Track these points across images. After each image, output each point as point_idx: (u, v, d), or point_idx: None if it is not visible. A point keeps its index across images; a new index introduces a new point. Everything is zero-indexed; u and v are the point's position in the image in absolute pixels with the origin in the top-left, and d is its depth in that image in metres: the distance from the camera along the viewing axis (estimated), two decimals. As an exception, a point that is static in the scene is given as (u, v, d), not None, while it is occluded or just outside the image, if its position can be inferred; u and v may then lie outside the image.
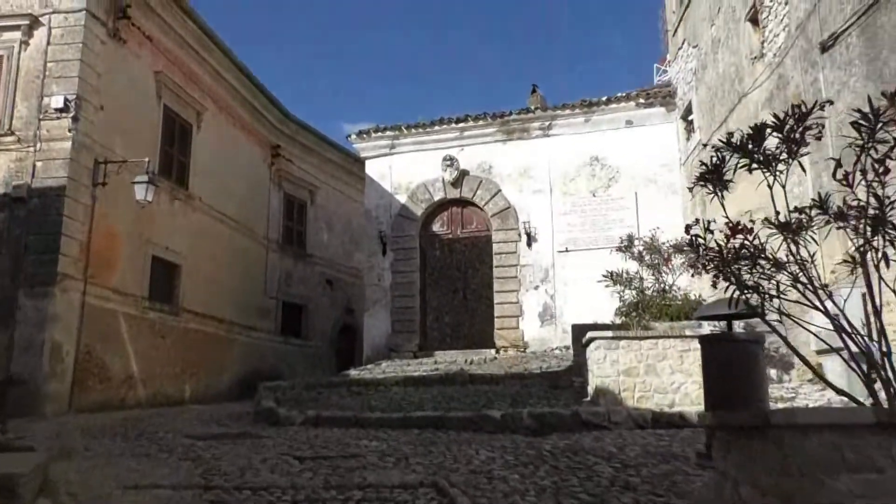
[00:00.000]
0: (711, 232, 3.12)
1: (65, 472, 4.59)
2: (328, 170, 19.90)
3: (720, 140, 3.12)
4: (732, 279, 3.01)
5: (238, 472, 4.82)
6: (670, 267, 8.09)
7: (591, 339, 7.36)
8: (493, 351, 13.78)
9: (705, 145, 11.86)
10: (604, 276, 8.36)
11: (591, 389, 7.82)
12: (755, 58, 9.81)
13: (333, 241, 20.13)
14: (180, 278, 13.39)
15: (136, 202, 11.02)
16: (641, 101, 13.89)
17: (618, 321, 10.89)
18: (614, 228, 13.77)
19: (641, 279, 8.14)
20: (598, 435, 6.49)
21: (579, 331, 9.36)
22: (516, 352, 13.58)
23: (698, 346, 7.53)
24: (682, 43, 13.26)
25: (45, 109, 10.57)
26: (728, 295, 3.01)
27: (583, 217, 13.96)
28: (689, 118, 12.81)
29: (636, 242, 8.38)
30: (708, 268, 3.08)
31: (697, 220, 3.17)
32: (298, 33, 52.92)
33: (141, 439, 6.77)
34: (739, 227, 2.97)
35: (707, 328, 7.70)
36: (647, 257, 8.19)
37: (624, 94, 14.17)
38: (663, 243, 8.32)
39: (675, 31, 13.82)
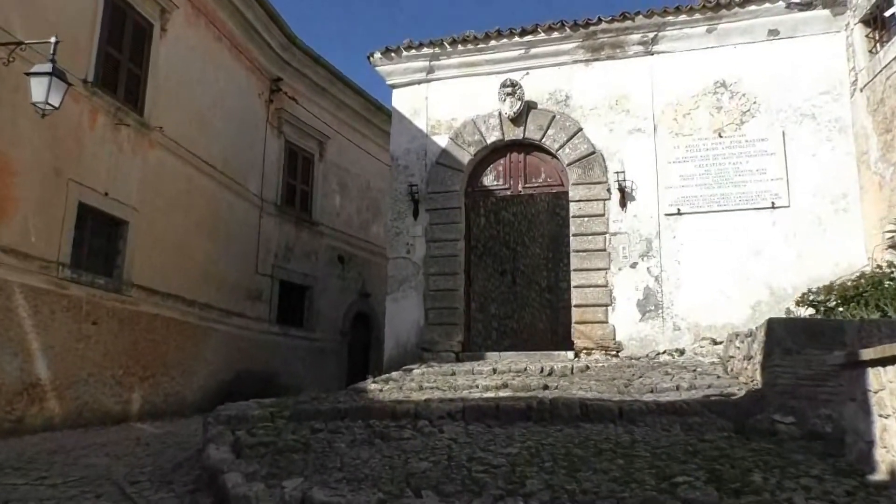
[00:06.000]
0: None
1: None
2: (343, 117, 15.73)
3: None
4: None
5: None
6: None
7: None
8: (570, 354, 9.63)
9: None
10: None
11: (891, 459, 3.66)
12: None
13: (347, 208, 16.00)
14: (127, 240, 9.32)
15: (35, 109, 6.96)
16: (794, 0, 9.61)
17: (802, 313, 6.73)
18: (751, 183, 9.57)
19: None
20: None
21: (786, 330, 5.20)
22: (606, 356, 9.42)
23: None
24: None
25: None
26: None
27: (703, 166, 9.72)
28: (888, 13, 8.52)
29: None
30: None
31: None
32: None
33: None
34: None
35: None
36: None
37: (766, -8, 9.90)
38: None
39: None
